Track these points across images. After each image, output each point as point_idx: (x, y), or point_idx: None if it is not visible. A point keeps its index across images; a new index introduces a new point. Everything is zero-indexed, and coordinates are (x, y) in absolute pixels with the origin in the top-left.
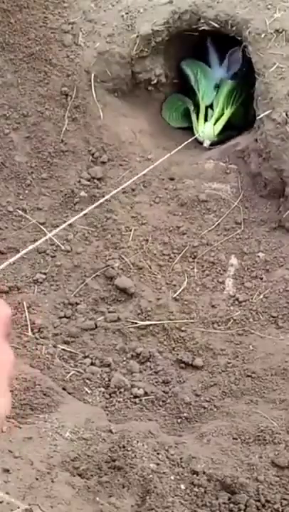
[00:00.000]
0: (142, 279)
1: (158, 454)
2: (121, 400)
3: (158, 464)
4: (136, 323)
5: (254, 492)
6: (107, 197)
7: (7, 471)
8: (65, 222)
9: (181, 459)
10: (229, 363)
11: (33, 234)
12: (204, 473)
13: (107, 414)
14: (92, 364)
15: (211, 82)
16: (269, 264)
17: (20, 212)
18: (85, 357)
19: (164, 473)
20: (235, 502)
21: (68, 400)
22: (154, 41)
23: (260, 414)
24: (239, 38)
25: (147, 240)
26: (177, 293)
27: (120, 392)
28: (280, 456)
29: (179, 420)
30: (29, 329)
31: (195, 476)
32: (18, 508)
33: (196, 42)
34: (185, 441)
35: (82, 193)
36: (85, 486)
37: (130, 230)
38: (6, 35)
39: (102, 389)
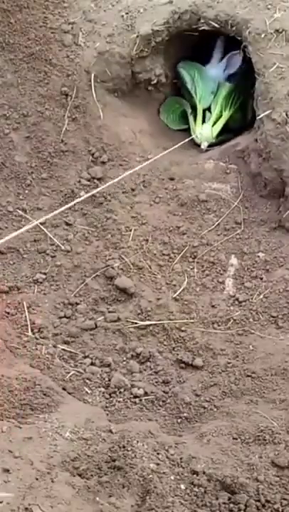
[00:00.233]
0: (142, 279)
1: (158, 454)
2: (121, 399)
3: (158, 464)
4: (136, 323)
5: (254, 492)
6: (97, 190)
7: (7, 471)
8: (65, 222)
9: (181, 459)
10: (229, 363)
11: (33, 234)
12: (204, 473)
13: (107, 414)
14: (92, 364)
15: (208, 85)
16: (269, 264)
17: (20, 212)
18: (85, 357)
19: (164, 473)
20: (235, 502)
21: (68, 399)
22: (154, 41)
23: (260, 414)
24: (239, 38)
25: (147, 240)
26: (177, 293)
27: (120, 392)
28: (280, 456)
29: (179, 420)
30: (29, 329)
31: (195, 476)
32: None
33: (196, 42)
34: (185, 441)
35: (82, 193)
36: (85, 486)
37: (130, 230)
38: (6, 35)
39: (102, 389)
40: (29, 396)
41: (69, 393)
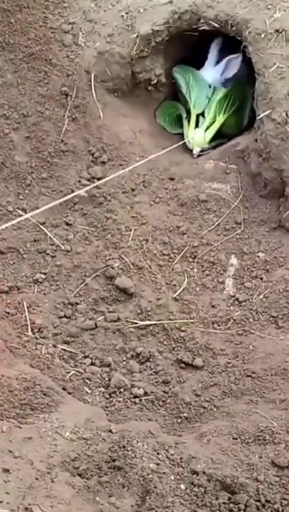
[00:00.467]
0: (142, 279)
1: (158, 454)
2: (121, 399)
3: (158, 464)
4: (136, 323)
5: (254, 492)
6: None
7: (7, 471)
8: (65, 222)
9: (181, 459)
10: (229, 363)
11: (33, 234)
12: (204, 473)
13: (107, 414)
14: (92, 364)
15: (203, 90)
16: (269, 264)
17: (20, 212)
18: (85, 357)
19: (164, 473)
20: (235, 502)
21: (68, 399)
22: (154, 41)
23: (260, 414)
24: (239, 38)
25: (147, 240)
26: (177, 293)
27: (120, 392)
28: (280, 456)
29: (179, 420)
30: (29, 329)
31: (195, 476)
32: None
33: (196, 42)
34: (185, 441)
35: (82, 193)
36: (85, 486)
37: (130, 230)
38: (6, 35)
39: (102, 389)
40: (29, 396)
41: (69, 393)
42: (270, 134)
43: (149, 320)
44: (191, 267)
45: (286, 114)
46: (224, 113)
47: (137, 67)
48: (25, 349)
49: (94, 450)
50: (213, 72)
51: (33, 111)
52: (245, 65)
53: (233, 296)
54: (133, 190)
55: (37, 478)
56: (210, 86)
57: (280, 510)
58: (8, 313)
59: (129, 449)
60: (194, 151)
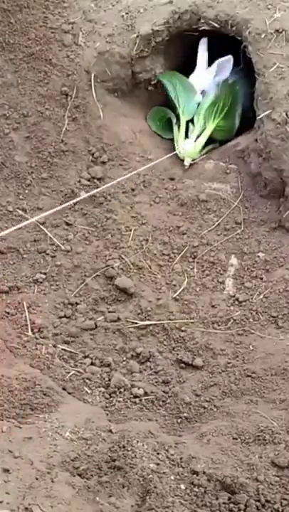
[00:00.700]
0: (142, 279)
1: (158, 454)
2: (121, 399)
3: (158, 464)
4: (136, 323)
5: (254, 492)
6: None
7: (7, 471)
8: (65, 222)
9: (181, 459)
10: (229, 363)
11: (33, 234)
12: (204, 473)
13: (107, 414)
14: (92, 364)
15: (191, 96)
16: (269, 264)
17: (20, 212)
18: (85, 357)
19: (164, 473)
20: (235, 502)
21: (68, 399)
22: (154, 41)
23: (260, 414)
24: (239, 38)
25: (147, 240)
26: (177, 293)
27: (120, 392)
28: (280, 456)
29: (179, 420)
30: (29, 329)
31: (195, 476)
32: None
33: (196, 42)
34: (185, 441)
35: (83, 193)
36: (85, 486)
37: (130, 230)
38: (6, 35)
39: (102, 389)
40: (29, 396)
41: (69, 393)
42: (270, 134)
43: (149, 320)
44: (191, 267)
45: (286, 114)
46: (214, 119)
47: (137, 67)
48: (25, 349)
49: (94, 450)
50: (205, 74)
51: (33, 111)
52: (233, 67)
53: (233, 296)
54: (133, 190)
55: (37, 478)
56: (198, 91)
57: (280, 510)
58: (8, 313)
59: (129, 449)
60: (185, 163)
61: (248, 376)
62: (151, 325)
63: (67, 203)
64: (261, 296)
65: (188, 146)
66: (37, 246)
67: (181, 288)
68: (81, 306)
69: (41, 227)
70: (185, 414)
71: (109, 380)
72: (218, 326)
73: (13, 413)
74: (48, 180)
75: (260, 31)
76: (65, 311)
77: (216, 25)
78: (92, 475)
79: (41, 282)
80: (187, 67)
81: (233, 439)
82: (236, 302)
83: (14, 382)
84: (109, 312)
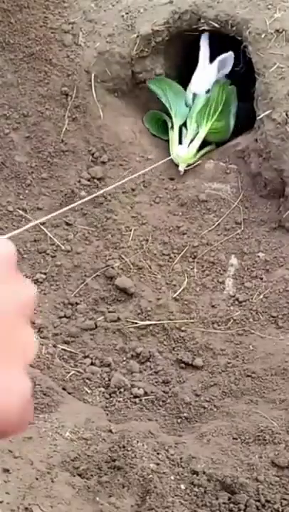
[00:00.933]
0: (142, 279)
1: (158, 454)
2: (121, 399)
3: (158, 464)
4: (136, 323)
5: (254, 492)
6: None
7: (7, 471)
8: (65, 222)
9: (181, 459)
10: (229, 363)
11: (33, 234)
12: (204, 473)
13: (107, 414)
14: (92, 364)
15: (181, 99)
16: (269, 264)
17: (20, 212)
18: (85, 357)
19: (164, 473)
20: (235, 502)
21: (68, 399)
22: (154, 41)
23: (260, 414)
24: (239, 38)
25: (147, 240)
26: (177, 293)
27: (120, 392)
28: (280, 456)
29: (179, 420)
30: None
31: (195, 476)
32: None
33: (196, 42)
34: (185, 441)
35: (83, 193)
36: (85, 486)
37: (130, 230)
38: (6, 35)
39: (102, 389)
40: None
41: (69, 393)
42: (270, 134)
43: (149, 320)
44: (191, 267)
45: (286, 114)
46: (207, 122)
47: (137, 67)
48: None
49: (94, 450)
50: (208, 71)
51: (33, 111)
52: (233, 68)
53: (233, 296)
54: (133, 190)
55: (37, 478)
56: (189, 94)
57: (280, 510)
58: None
59: (129, 449)
60: (180, 168)
61: (248, 376)
62: (151, 325)
63: (73, 204)
64: (261, 296)
65: (182, 152)
66: (37, 246)
67: (181, 288)
68: (81, 306)
69: (41, 227)
70: (185, 414)
71: (109, 380)
72: (218, 326)
73: None
74: (48, 180)
75: (260, 31)
76: (65, 311)
77: (216, 25)
78: (92, 475)
79: (41, 282)
80: (187, 67)
81: (233, 439)
82: (236, 302)
83: None
84: (109, 312)
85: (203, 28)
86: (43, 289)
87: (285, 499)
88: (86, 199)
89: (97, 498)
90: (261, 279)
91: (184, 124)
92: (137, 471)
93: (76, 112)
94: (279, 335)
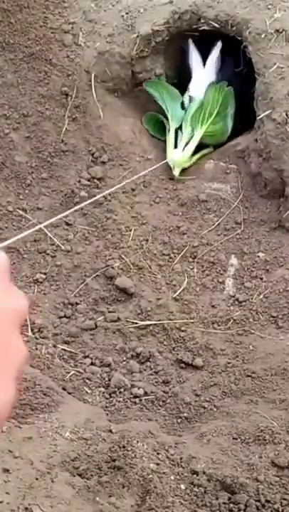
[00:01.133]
0: (142, 279)
1: (158, 454)
2: (121, 399)
3: (158, 464)
4: (136, 323)
5: (254, 492)
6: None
7: (7, 471)
8: (65, 222)
9: (181, 459)
10: (229, 363)
11: (33, 234)
12: (204, 473)
13: (107, 414)
14: (92, 364)
15: (178, 103)
16: (269, 264)
17: (20, 212)
18: (85, 357)
19: (164, 473)
20: (235, 502)
21: (68, 399)
22: (154, 41)
23: (260, 414)
24: (239, 38)
25: (147, 240)
26: (177, 293)
27: (120, 392)
28: (280, 456)
29: (179, 420)
30: (29, 329)
31: (195, 476)
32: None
33: (196, 42)
34: (185, 441)
35: (83, 193)
36: (85, 486)
37: (130, 230)
38: (6, 35)
39: (102, 389)
40: (29, 396)
41: (69, 393)
42: (270, 134)
43: (149, 320)
44: (191, 267)
45: (286, 114)
46: (202, 125)
47: (137, 67)
48: None
49: (94, 450)
50: (204, 74)
51: (33, 111)
52: (220, 67)
53: (233, 296)
54: (133, 190)
55: (37, 478)
56: (184, 97)
57: (280, 510)
58: None
59: (129, 449)
60: (175, 172)
61: (248, 376)
62: (151, 325)
63: (78, 207)
64: (261, 296)
65: (177, 156)
66: (37, 246)
67: (181, 288)
68: (81, 306)
69: (43, 229)
70: (185, 414)
71: (109, 380)
72: (218, 326)
73: (13, 413)
74: (48, 180)
75: (260, 31)
76: (65, 311)
77: (216, 25)
78: (92, 475)
79: (41, 282)
80: (187, 67)
81: (233, 439)
82: (236, 302)
83: None
84: (109, 312)
85: (203, 28)
86: (43, 289)
87: (285, 499)
88: (91, 200)
89: (97, 498)
90: (261, 279)
91: (180, 127)
92: (137, 471)
93: (76, 112)
94: (279, 335)
